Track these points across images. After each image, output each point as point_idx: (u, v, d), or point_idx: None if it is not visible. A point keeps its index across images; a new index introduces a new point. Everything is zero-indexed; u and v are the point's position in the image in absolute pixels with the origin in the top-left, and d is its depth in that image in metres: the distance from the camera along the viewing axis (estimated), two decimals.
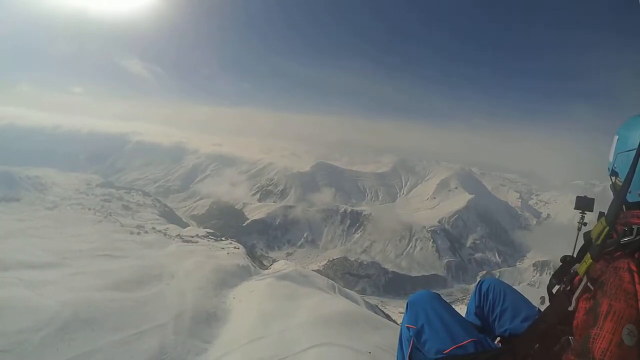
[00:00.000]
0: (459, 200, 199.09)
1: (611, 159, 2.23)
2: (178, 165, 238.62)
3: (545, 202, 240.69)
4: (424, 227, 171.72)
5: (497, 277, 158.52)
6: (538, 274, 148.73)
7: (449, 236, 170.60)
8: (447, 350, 2.43)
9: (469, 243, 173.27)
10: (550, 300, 2.34)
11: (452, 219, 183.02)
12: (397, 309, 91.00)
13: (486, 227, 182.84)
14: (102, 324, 13.07)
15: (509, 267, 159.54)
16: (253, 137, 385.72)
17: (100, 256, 23.56)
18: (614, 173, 2.22)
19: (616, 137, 2.19)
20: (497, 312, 2.90)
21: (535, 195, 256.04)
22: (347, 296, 27.95)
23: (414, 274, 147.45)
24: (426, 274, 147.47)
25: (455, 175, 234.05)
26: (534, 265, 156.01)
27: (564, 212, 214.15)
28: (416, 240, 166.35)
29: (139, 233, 39.60)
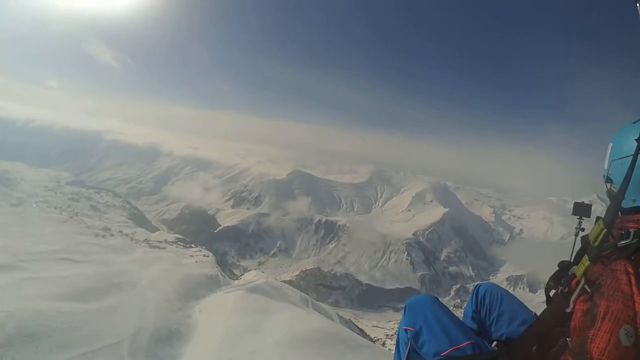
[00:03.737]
0: (434, 213, 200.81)
1: (606, 166, 2.25)
2: (151, 167, 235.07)
3: (519, 217, 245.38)
4: (399, 240, 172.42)
5: (470, 291, 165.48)
6: (512, 288, 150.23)
7: (424, 249, 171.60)
8: (445, 353, 2.43)
9: (443, 256, 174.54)
10: (547, 302, 2.33)
11: (427, 232, 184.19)
12: (370, 322, 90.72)
13: (460, 241, 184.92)
14: (48, 340, 11.64)
15: (482, 281, 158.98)
16: (230, 141, 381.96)
17: (59, 260, 22.08)
18: (608, 180, 2.24)
19: (610, 145, 2.22)
20: (494, 316, 2.92)
21: (509, 210, 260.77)
22: (320, 311, 26.95)
23: (388, 286, 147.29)
24: (400, 286, 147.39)
25: (430, 189, 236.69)
26: (507, 279, 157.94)
27: (536, 227, 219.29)
28: (391, 252, 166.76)
29: (104, 236, 37.96)
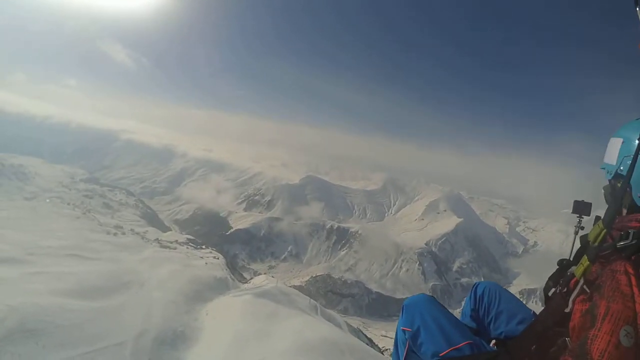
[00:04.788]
0: (447, 223, 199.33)
1: (614, 162, 2.19)
2: (166, 167, 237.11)
3: (533, 230, 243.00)
4: (411, 249, 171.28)
5: None
6: (525, 302, 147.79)
7: (436, 259, 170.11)
8: (443, 353, 2.44)
9: (455, 267, 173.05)
10: (546, 302, 2.33)
11: (440, 241, 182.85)
12: (379, 332, 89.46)
13: (473, 252, 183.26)
14: (50, 337, 11.29)
15: None
16: (244, 144, 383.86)
17: (68, 256, 21.84)
18: (617, 176, 2.18)
19: (620, 140, 2.16)
20: (493, 314, 2.93)
21: (523, 222, 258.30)
22: (329, 318, 26.46)
23: (398, 295, 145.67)
24: (411, 296, 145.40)
25: (444, 198, 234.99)
26: (520, 292, 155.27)
27: (551, 239, 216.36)
28: (402, 261, 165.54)
29: (115, 234, 37.82)
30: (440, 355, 2.43)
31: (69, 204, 59.34)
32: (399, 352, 2.79)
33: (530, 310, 2.80)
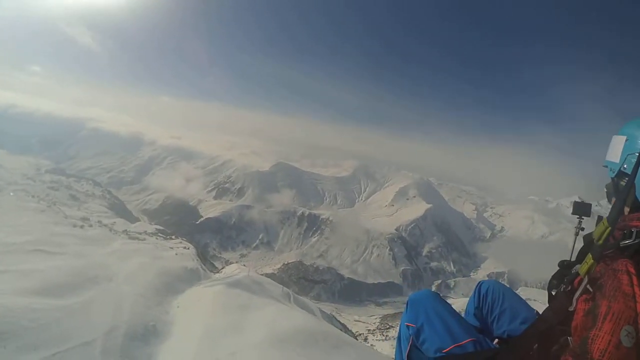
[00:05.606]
0: (417, 209, 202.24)
1: (618, 160, 2.17)
2: (133, 156, 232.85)
3: (500, 215, 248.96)
4: (382, 234, 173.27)
5: (451, 287, 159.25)
6: None
7: (406, 244, 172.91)
8: (446, 349, 2.46)
9: (425, 252, 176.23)
10: (549, 301, 2.30)
11: (410, 227, 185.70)
12: (352, 317, 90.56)
13: (442, 237, 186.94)
14: (17, 339, 10.85)
15: (463, 277, 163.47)
16: (216, 133, 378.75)
17: (34, 251, 21.05)
18: (620, 174, 2.17)
19: (624, 138, 2.13)
20: (496, 313, 2.94)
21: (491, 207, 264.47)
22: (302, 306, 26.57)
23: (370, 280, 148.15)
24: (382, 281, 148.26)
25: (414, 184, 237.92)
26: (488, 276, 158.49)
27: (518, 225, 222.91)
28: (373, 247, 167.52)
29: (82, 226, 36.71)
30: (444, 351, 2.46)
31: (33, 196, 57.38)
32: (402, 348, 2.82)
33: (534, 309, 2.85)
